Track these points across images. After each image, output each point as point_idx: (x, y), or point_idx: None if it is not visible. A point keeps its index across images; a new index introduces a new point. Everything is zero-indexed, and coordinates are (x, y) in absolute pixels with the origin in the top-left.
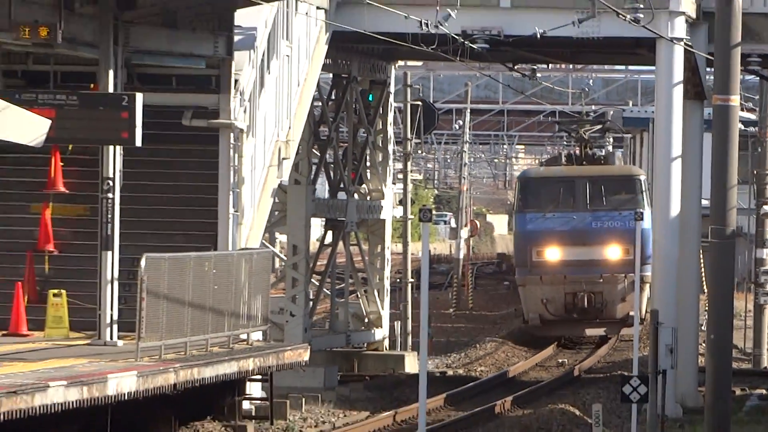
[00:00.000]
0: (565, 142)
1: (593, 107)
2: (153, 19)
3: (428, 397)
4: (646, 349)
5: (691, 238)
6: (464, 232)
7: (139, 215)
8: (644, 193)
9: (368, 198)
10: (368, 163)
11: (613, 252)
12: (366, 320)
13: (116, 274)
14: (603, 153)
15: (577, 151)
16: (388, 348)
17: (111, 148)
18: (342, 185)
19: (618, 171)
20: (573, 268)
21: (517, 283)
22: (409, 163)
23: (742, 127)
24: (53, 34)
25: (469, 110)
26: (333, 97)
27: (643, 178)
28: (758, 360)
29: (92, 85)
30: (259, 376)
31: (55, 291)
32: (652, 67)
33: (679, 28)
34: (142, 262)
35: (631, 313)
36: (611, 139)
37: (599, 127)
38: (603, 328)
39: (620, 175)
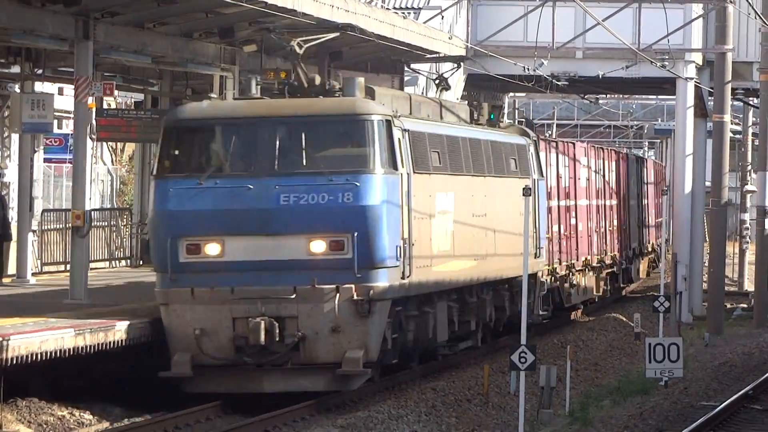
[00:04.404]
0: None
1: (635, 122)
2: (354, 66)
3: None
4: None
5: (698, 206)
6: None
7: None
8: (379, 145)
9: None
10: None
11: (316, 247)
12: None
13: None
14: (338, 84)
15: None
16: None
17: None
18: None
19: (335, 108)
20: (247, 275)
21: (158, 301)
22: None
23: (732, 135)
24: (289, 76)
25: (555, 124)
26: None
27: (378, 118)
28: (741, 285)
29: None
30: None
31: None
32: (674, 96)
33: (691, 71)
34: None
35: (349, 354)
36: (646, 144)
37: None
38: (299, 380)
39: (336, 115)
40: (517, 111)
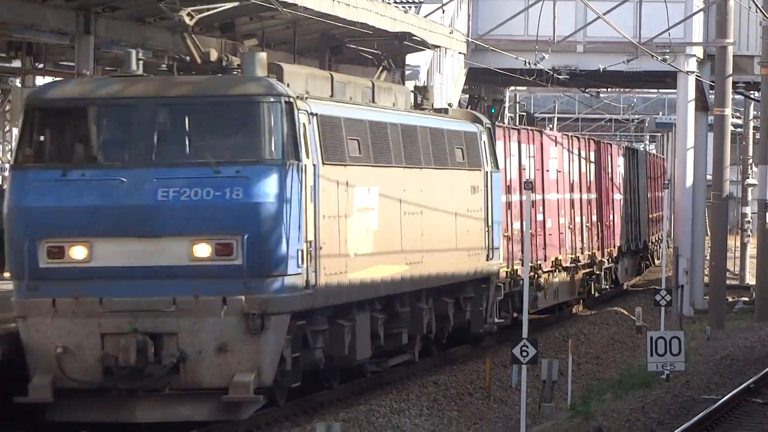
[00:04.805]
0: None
1: (637, 116)
2: (353, 60)
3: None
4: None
5: (700, 200)
6: None
7: None
8: (276, 131)
9: None
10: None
11: (201, 251)
12: None
13: None
14: (233, 59)
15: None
16: None
17: None
18: None
19: (225, 88)
20: (119, 283)
21: (15, 313)
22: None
23: (733, 129)
24: None
25: (556, 118)
26: (468, 109)
27: (275, 100)
28: (743, 278)
29: None
30: None
31: None
32: (675, 90)
33: (692, 65)
34: None
35: (238, 378)
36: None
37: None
38: (178, 409)
39: (226, 96)
40: (518, 105)
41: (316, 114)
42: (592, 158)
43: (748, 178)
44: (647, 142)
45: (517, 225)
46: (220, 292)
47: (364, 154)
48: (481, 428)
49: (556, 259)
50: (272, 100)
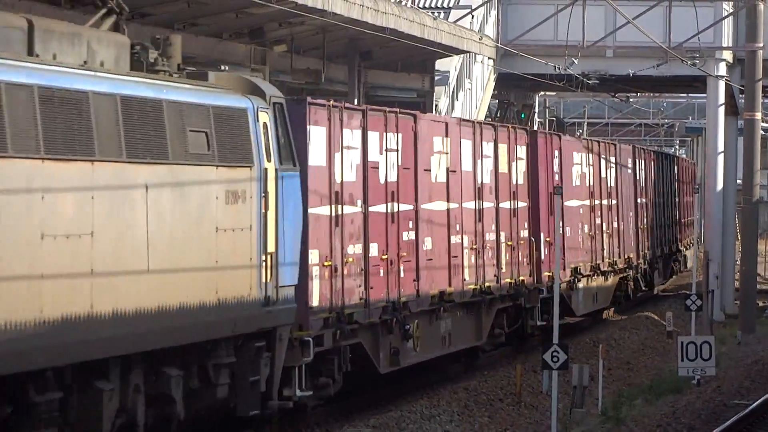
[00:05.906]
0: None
1: (666, 120)
2: (383, 65)
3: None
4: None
5: (730, 204)
6: None
7: None
8: None
9: None
10: None
11: None
12: None
13: None
14: None
15: None
16: None
17: None
18: None
19: None
20: None
21: None
22: None
23: (763, 133)
24: (319, 76)
25: (586, 123)
26: (498, 115)
27: None
28: None
29: None
30: None
31: None
32: (704, 95)
33: (722, 69)
34: None
35: None
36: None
37: None
38: None
39: None
40: (548, 110)
41: None
42: (522, 154)
43: None
44: (677, 146)
45: (354, 249)
46: None
47: None
48: None
49: (442, 292)
50: None
